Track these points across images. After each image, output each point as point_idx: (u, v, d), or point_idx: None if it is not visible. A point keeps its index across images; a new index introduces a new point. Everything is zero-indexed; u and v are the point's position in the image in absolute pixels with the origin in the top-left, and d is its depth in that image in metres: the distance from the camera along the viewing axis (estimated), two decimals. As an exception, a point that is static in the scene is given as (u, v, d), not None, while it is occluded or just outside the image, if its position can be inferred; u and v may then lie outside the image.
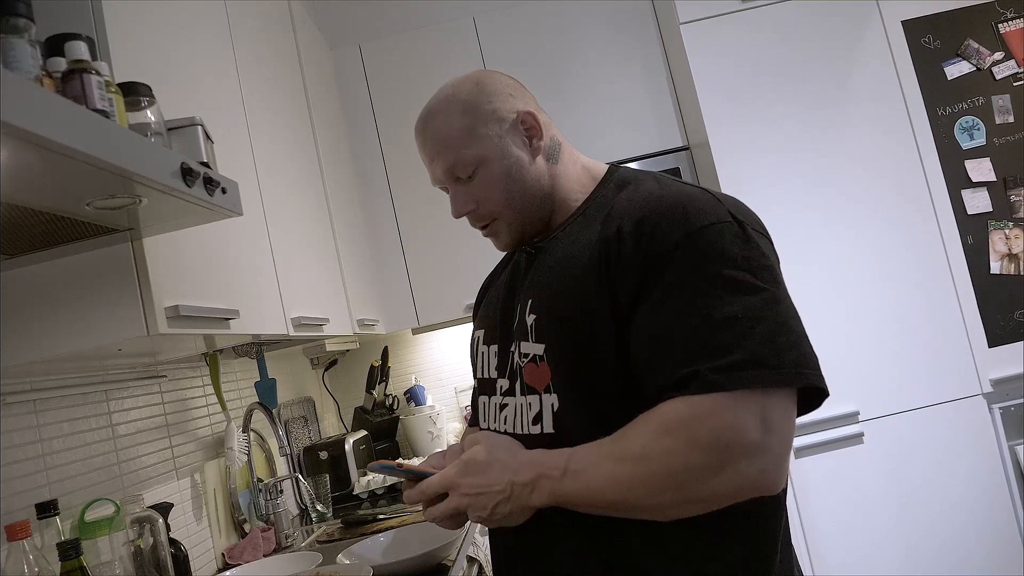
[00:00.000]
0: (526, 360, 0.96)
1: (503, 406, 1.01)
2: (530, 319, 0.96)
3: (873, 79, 2.46)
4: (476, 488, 0.90)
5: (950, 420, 2.37)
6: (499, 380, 1.02)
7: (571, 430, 0.90)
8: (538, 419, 0.94)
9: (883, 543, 2.35)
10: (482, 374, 1.08)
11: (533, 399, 0.95)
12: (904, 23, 2.47)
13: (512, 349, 1.00)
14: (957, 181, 2.43)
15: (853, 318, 2.40)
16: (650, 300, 0.84)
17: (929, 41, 2.47)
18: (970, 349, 2.38)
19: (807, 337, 0.83)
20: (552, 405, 0.92)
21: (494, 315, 1.08)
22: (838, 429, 2.36)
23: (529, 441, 0.93)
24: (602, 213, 0.95)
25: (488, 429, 1.04)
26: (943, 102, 2.45)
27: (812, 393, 0.83)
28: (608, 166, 1.06)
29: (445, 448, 1.08)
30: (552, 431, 0.92)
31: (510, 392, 0.99)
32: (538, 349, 0.94)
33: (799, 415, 0.83)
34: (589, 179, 1.03)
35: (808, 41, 2.49)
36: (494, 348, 1.05)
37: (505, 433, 0.98)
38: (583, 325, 0.89)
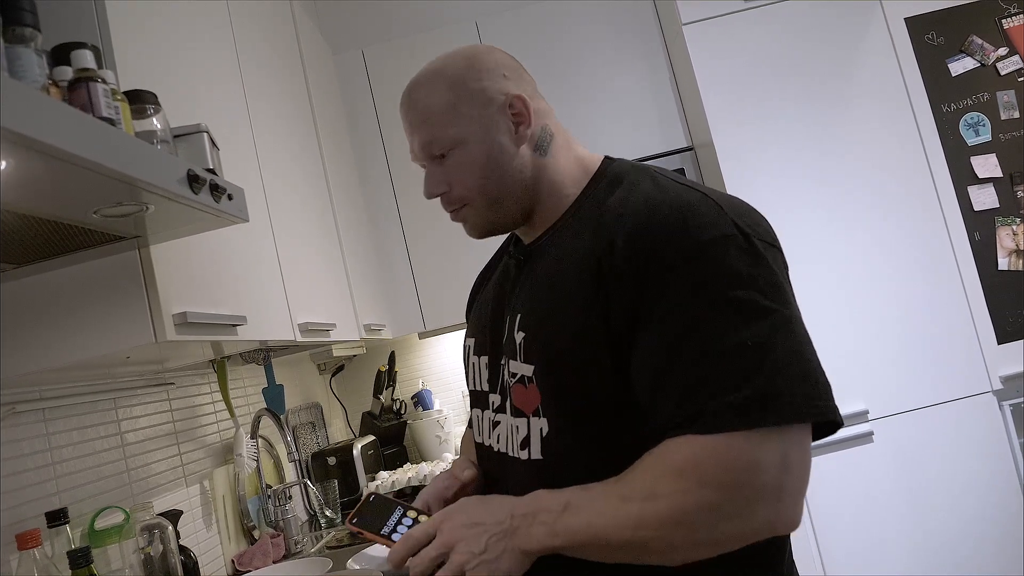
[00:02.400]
0: (514, 380, 0.89)
1: (496, 423, 0.95)
2: (519, 337, 0.89)
3: (877, 77, 2.46)
4: (473, 518, 0.81)
5: (960, 418, 2.36)
6: (491, 395, 0.97)
7: (561, 458, 0.84)
8: (525, 444, 0.88)
9: (893, 541, 2.33)
10: (474, 386, 1.02)
11: (520, 422, 0.89)
12: (907, 20, 2.47)
13: (502, 363, 0.94)
14: (963, 178, 2.42)
15: (861, 317, 2.39)
16: (650, 324, 0.78)
17: (933, 38, 2.46)
18: (979, 346, 2.37)
19: (819, 362, 0.78)
20: (541, 430, 0.86)
21: (484, 324, 1.02)
22: (848, 428, 2.34)
23: (517, 467, 0.88)
24: (593, 219, 0.88)
25: (483, 443, 1.00)
26: (948, 99, 2.44)
27: (825, 422, 0.78)
28: (603, 158, 0.98)
29: (442, 473, 1.03)
30: (540, 458, 0.86)
31: (501, 409, 0.94)
32: (527, 370, 0.87)
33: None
34: (582, 173, 0.96)
35: (811, 40, 2.48)
36: (484, 360, 0.99)
37: (497, 453, 0.93)
38: (574, 347, 0.82)
